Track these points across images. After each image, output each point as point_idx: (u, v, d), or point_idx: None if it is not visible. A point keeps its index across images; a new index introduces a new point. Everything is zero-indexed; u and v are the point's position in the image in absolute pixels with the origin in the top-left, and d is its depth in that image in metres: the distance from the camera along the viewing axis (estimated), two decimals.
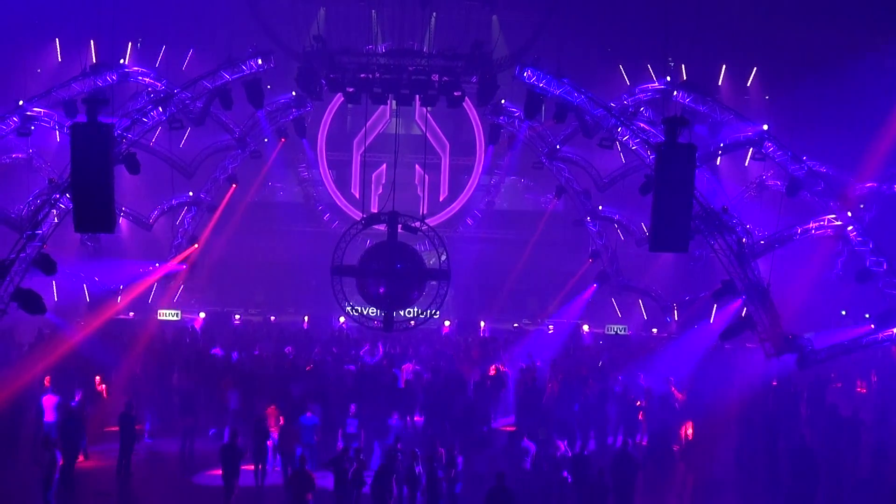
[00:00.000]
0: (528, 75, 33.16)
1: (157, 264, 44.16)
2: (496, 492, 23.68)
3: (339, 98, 47.35)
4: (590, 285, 46.72)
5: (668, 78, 38.34)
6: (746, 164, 46.36)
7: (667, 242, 25.14)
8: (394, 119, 49.97)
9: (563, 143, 41.93)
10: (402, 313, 35.83)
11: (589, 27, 45.27)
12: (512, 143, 44.23)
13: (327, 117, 51.70)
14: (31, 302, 28.93)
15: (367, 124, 46.37)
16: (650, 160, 31.44)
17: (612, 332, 45.98)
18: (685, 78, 43.40)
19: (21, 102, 35.06)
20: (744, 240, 33.56)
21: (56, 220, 30.07)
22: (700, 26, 41.64)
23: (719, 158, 41.03)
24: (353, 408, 29.23)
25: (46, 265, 29.70)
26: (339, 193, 52.69)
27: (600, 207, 43.99)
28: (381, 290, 33.75)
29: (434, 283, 34.33)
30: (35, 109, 35.24)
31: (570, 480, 26.33)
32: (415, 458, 25.36)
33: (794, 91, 45.09)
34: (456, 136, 53.26)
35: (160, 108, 32.53)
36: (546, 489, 26.35)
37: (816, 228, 35.72)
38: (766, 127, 36.15)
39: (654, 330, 46.98)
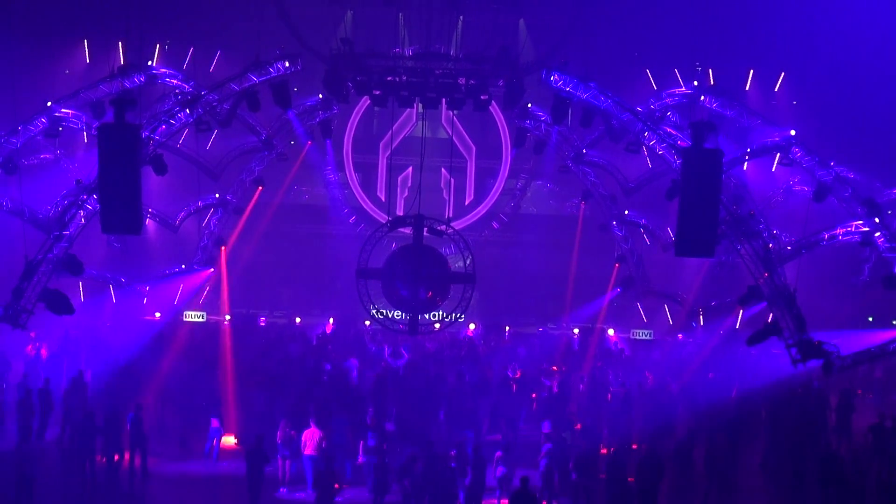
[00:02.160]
0: (555, 79, 33.06)
1: (182, 266, 44.28)
2: (520, 495, 23.73)
3: (365, 101, 47.34)
4: (614, 290, 46.61)
5: (696, 83, 38.21)
6: (773, 169, 46.08)
7: (693, 247, 25.20)
8: (420, 122, 49.97)
9: (590, 148, 41.84)
10: (427, 316, 35.76)
11: (616, 31, 45.20)
12: (538, 147, 44.11)
13: (354, 120, 51.74)
14: (59, 302, 29.10)
15: (394, 127, 46.33)
16: (676, 165, 31.33)
17: (638, 337, 46.00)
18: (712, 83, 43.22)
19: (49, 104, 35.20)
20: (770, 245, 33.38)
21: (83, 222, 30.18)
22: (728, 31, 41.60)
23: (746, 163, 40.78)
24: (369, 416, 29.48)
25: (73, 266, 29.89)
26: (364, 196, 52.71)
27: (626, 212, 43.80)
28: (407, 294, 33.75)
29: (459, 286, 34.32)
30: (63, 111, 35.38)
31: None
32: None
33: (821, 96, 44.96)
34: (482, 139, 53.21)
35: (187, 110, 32.62)
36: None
37: (843, 234, 35.47)
38: (793, 132, 35.97)
39: (680, 335, 46.78)
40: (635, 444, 31.39)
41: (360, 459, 27.99)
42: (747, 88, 49.68)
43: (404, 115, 49.72)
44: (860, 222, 34.88)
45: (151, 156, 31.21)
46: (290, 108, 38.20)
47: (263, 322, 46.87)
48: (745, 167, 42.39)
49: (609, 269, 46.80)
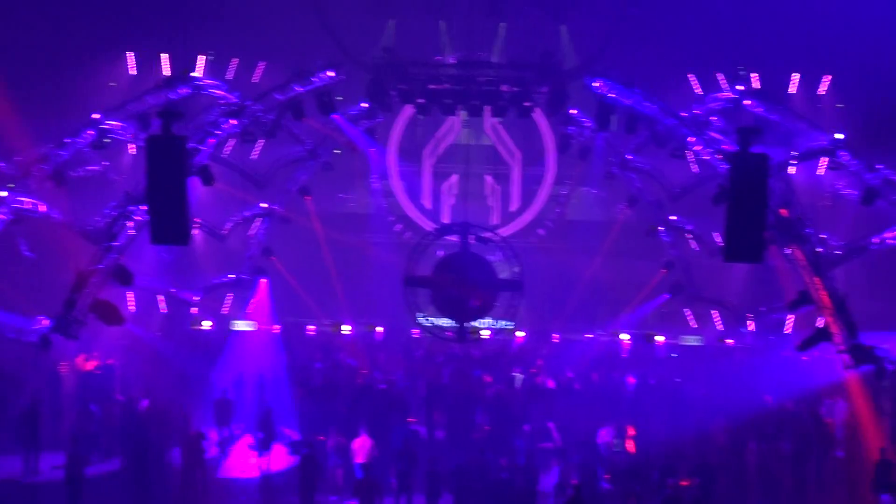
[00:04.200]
0: (599, 85, 33.01)
1: (231, 275, 44.49)
2: (573, 503, 23.72)
3: (408, 109, 47.32)
4: (661, 295, 46.44)
5: (740, 87, 37.96)
6: (821, 172, 45.67)
7: (741, 253, 25.12)
8: (464, 129, 49.99)
9: (635, 153, 41.67)
10: (475, 324, 35.76)
11: (658, 35, 44.92)
12: (582, 153, 43.97)
13: (397, 128, 51.71)
14: (110, 313, 29.30)
15: (438, 135, 46.31)
16: (722, 170, 31.20)
17: (687, 343, 45.89)
18: (756, 87, 42.95)
19: (96, 116, 35.44)
20: (819, 249, 33.11)
21: (132, 233, 30.40)
22: (771, 34, 41.36)
23: (793, 168, 40.50)
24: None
25: (123, 276, 30.13)
26: (410, 204, 52.71)
27: (673, 217, 43.58)
28: (455, 302, 33.78)
29: (507, 293, 34.31)
30: (110, 123, 35.60)
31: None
32: None
33: (867, 98, 44.59)
34: (526, 145, 53.04)
35: (233, 121, 32.81)
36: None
37: (892, 238, 35.12)
38: (840, 136, 35.67)
39: (730, 340, 46.51)
40: (684, 449, 31.28)
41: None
42: (792, 92, 49.23)
43: (448, 122, 49.66)
44: None
45: (198, 167, 31.40)
46: (334, 112, 38.20)
47: (312, 331, 46.95)
48: (791, 171, 42.16)
49: (657, 275, 46.61)
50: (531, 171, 52.96)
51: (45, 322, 30.46)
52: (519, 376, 37.83)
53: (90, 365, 37.31)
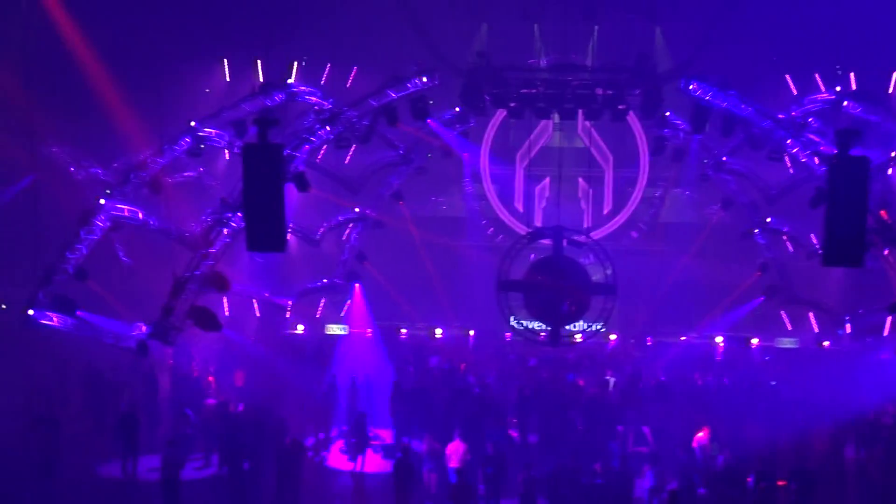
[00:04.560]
0: (694, 88, 32.76)
1: (325, 280, 44.83)
2: None
3: (501, 112, 47.28)
4: (757, 298, 46.01)
5: (838, 88, 37.47)
6: None
7: (840, 257, 24.79)
8: (557, 132, 49.84)
9: (730, 155, 41.34)
10: (568, 328, 35.66)
11: (754, 36, 44.44)
12: (677, 155, 43.66)
13: (490, 131, 51.67)
14: (207, 319, 29.65)
15: (531, 138, 46.17)
16: (820, 172, 30.87)
17: (783, 346, 45.52)
18: (854, 86, 42.37)
19: (193, 123, 35.88)
20: None
21: (228, 239, 30.75)
22: (868, 32, 40.75)
23: (891, 169, 39.90)
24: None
25: (220, 283, 30.50)
26: (502, 207, 52.66)
27: (769, 220, 43.12)
28: (548, 306, 33.74)
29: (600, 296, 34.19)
30: (206, 130, 36.04)
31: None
32: None
33: None
34: (619, 148, 52.75)
35: (328, 127, 33.08)
36: None
37: None
38: None
39: (826, 343, 45.97)
40: (781, 454, 31.00)
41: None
42: (890, 91, 48.42)
43: (541, 125, 49.52)
44: None
45: (294, 173, 31.70)
46: (427, 116, 38.32)
47: (405, 335, 47.13)
48: (889, 172, 41.54)
49: (752, 277, 46.17)
50: (624, 173, 52.70)
51: (143, 328, 31.01)
52: (612, 380, 37.67)
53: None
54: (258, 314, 46.88)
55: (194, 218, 36.96)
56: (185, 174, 43.19)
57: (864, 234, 24.84)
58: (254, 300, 45.58)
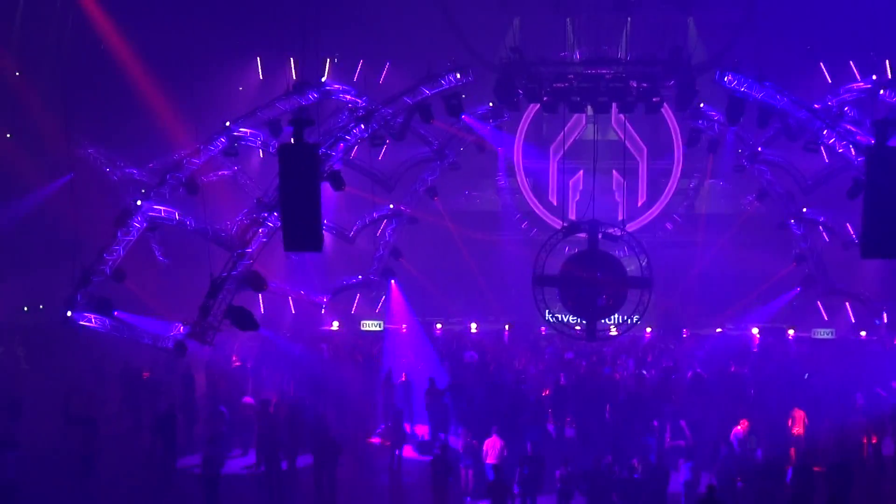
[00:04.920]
0: (729, 80, 32.59)
1: (359, 276, 44.92)
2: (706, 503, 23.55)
3: (535, 106, 47.21)
4: (793, 289, 45.85)
5: (874, 76, 37.17)
6: None
7: (879, 249, 24.67)
8: (590, 125, 49.72)
9: (765, 146, 41.16)
10: (604, 321, 35.57)
11: (787, 25, 44.17)
12: (711, 147, 43.48)
13: (523, 125, 51.58)
14: (244, 318, 29.78)
15: (564, 131, 46.10)
16: (858, 162, 30.68)
17: (819, 336, 45.32)
18: (890, 73, 42.08)
19: (228, 123, 36.00)
20: None
21: (264, 239, 30.85)
22: None
23: None
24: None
25: (257, 282, 30.64)
26: (536, 201, 52.57)
27: (804, 209, 42.91)
28: (584, 300, 33.69)
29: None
30: (241, 130, 36.18)
31: None
32: None
33: None
34: (653, 139, 52.58)
35: (362, 126, 33.11)
36: None
37: None
38: None
39: (863, 333, 45.74)
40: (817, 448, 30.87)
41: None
42: None
43: (574, 118, 49.36)
44: None
45: (329, 172, 31.78)
46: (461, 117, 38.35)
47: (440, 330, 47.15)
48: None
49: (787, 268, 45.99)
50: (658, 165, 52.58)
51: (181, 328, 31.18)
52: (647, 373, 37.56)
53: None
54: (293, 311, 47.00)
55: (230, 217, 37.16)
56: (221, 173, 43.33)
57: None
58: (289, 297, 45.67)
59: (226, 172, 43.43)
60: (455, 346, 43.11)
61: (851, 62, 44.12)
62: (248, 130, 36.52)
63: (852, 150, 31.45)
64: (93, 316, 31.62)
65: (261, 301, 44.20)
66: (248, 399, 33.69)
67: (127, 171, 42.88)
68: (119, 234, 32.33)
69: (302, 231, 23.68)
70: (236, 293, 30.56)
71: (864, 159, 26.15)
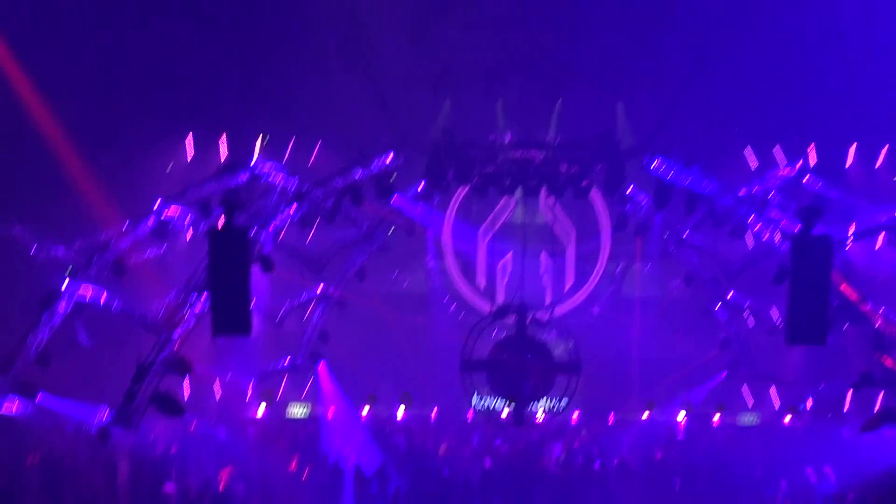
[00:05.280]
0: (657, 165, 32.95)
1: (287, 360, 44.52)
2: None
3: (464, 188, 47.33)
4: (719, 373, 46.08)
5: (799, 162, 37.75)
6: (877, 246, 45.18)
7: (804, 335, 24.94)
8: (519, 208, 49.89)
9: (692, 231, 41.51)
10: (531, 406, 35.54)
11: (714, 109, 44.75)
12: (639, 230, 43.79)
13: (453, 207, 51.60)
14: (170, 404, 29.37)
15: (493, 213, 46.26)
16: (783, 248, 31.04)
17: (744, 422, 45.57)
18: (813, 158, 42.71)
19: (157, 203, 35.71)
20: (879, 324, 32.69)
21: (192, 323, 30.52)
22: (827, 104, 41.13)
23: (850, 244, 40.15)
24: None
25: (183, 367, 30.25)
26: (465, 284, 52.51)
27: (730, 295, 43.24)
28: (512, 385, 33.67)
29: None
30: (170, 210, 35.89)
31: None
32: None
33: None
34: (581, 222, 52.75)
35: (293, 207, 33.02)
36: None
37: None
38: None
39: (788, 418, 46.00)
40: None
41: None
42: (847, 165, 48.70)
43: (503, 200, 49.55)
44: None
45: (259, 254, 31.60)
46: (391, 200, 38.39)
47: (367, 413, 46.76)
48: (849, 247, 41.78)
49: (713, 353, 46.19)
50: (585, 248, 52.75)
51: (106, 413, 30.63)
52: (571, 458, 37.48)
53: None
54: (219, 395, 46.44)
55: (158, 298, 36.66)
56: (148, 253, 42.81)
57: (826, 313, 24.96)
58: (214, 382, 45.14)
59: (154, 252, 42.90)
60: (382, 431, 42.76)
61: (777, 147, 44.68)
62: (178, 211, 36.19)
63: (778, 236, 31.83)
64: (14, 402, 30.93)
65: (186, 385, 43.55)
66: (169, 486, 33.12)
67: (53, 250, 42.24)
68: (44, 318, 31.75)
69: (231, 315, 23.56)
70: (163, 378, 30.13)
71: (790, 246, 26.45)
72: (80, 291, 32.52)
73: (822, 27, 38.43)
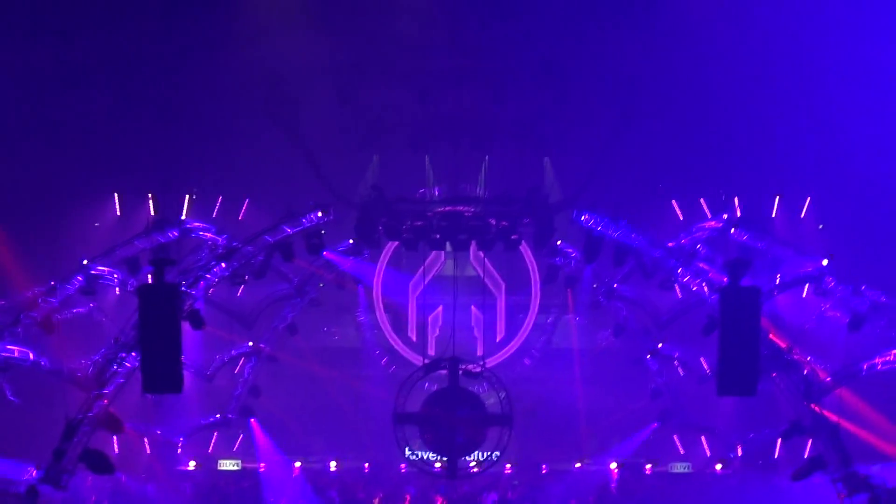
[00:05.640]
0: (586, 219, 33.28)
1: (217, 415, 44.22)
2: None
3: (394, 242, 47.38)
4: (651, 423, 46.29)
5: (725, 215, 38.24)
6: (804, 295, 45.73)
7: (734, 386, 25.21)
8: (449, 261, 49.96)
9: (621, 283, 41.85)
10: (464, 458, 35.56)
11: (640, 163, 45.18)
12: (568, 282, 44.08)
13: (383, 261, 51.61)
14: (99, 462, 29.07)
15: (423, 267, 46.33)
16: (711, 300, 31.34)
17: (675, 471, 45.74)
18: (739, 210, 43.27)
19: (85, 262, 35.45)
20: (806, 372, 32.96)
21: (122, 380, 30.27)
22: (751, 157, 41.70)
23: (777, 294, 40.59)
24: None
25: (113, 425, 29.98)
26: (396, 337, 52.43)
27: (660, 345, 43.57)
28: (444, 438, 33.70)
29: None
30: (99, 268, 35.66)
31: None
32: None
33: (848, 217, 44.78)
34: (511, 275, 52.91)
35: (223, 264, 32.94)
36: None
37: (883, 363, 34.81)
38: (825, 262, 35.88)
39: (719, 466, 46.26)
40: None
41: None
42: (773, 215, 49.30)
43: (433, 254, 49.61)
44: None
45: (189, 311, 31.44)
46: (321, 255, 38.40)
47: (299, 468, 46.47)
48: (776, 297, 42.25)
49: (644, 402, 46.42)
50: (516, 300, 52.88)
51: (34, 472, 30.21)
52: None
53: None
54: (148, 451, 45.92)
55: (87, 355, 36.27)
56: (76, 310, 42.42)
57: (757, 364, 25.24)
58: (144, 437, 44.67)
59: (82, 310, 42.48)
60: (315, 485, 42.52)
61: (702, 200, 45.20)
62: (106, 269, 35.97)
63: (706, 287, 32.14)
64: None
65: (115, 441, 43.04)
66: None
67: None
68: None
69: (161, 372, 23.48)
70: (92, 436, 29.82)
71: (718, 298, 26.76)
72: (8, 349, 32.15)
73: (745, 81, 39.00)
